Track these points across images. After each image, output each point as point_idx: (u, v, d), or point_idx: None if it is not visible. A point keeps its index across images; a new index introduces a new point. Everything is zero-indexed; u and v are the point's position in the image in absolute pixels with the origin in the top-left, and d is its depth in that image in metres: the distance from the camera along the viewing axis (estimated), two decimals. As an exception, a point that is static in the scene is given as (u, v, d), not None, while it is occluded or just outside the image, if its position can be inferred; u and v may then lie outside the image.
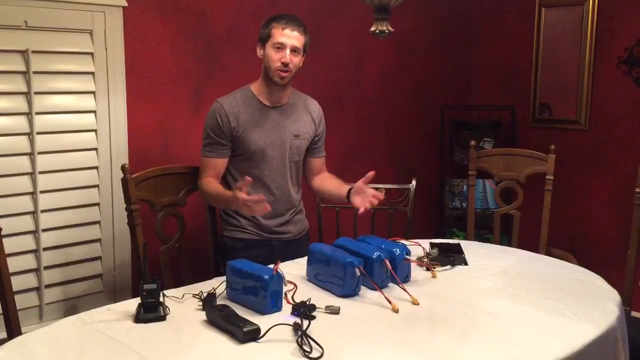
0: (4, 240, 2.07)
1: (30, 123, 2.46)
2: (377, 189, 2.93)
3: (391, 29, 2.09)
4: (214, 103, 2.47)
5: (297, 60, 2.40)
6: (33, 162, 2.48)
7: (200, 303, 1.83)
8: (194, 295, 1.90)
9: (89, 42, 2.58)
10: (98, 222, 2.69)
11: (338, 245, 2.12)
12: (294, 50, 2.37)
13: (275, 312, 1.80)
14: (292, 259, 2.29)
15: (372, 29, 2.10)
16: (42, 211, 2.52)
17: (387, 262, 1.98)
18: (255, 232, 2.49)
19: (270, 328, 1.63)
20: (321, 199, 2.97)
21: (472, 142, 3.10)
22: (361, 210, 2.26)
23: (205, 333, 1.68)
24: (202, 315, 1.76)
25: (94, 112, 2.63)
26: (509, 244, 2.91)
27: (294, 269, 2.15)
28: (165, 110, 2.87)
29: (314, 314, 1.77)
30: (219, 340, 1.63)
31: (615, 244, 3.55)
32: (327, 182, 2.61)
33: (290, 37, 2.36)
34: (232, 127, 2.42)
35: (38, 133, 2.48)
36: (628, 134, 3.54)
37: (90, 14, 2.57)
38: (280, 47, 2.36)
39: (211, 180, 2.43)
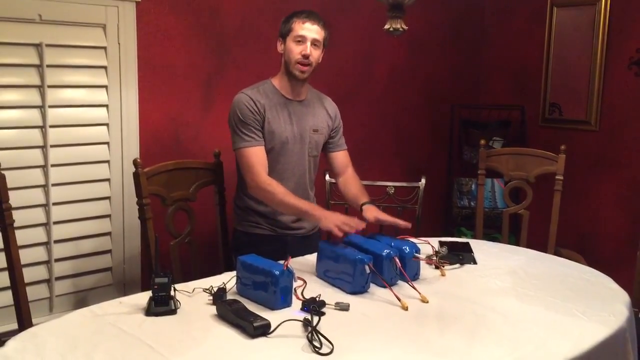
0: (16, 232, 2.09)
1: (43, 116, 2.48)
2: (386, 187, 2.95)
3: (405, 27, 2.09)
4: (237, 95, 2.43)
5: (317, 54, 2.41)
6: (45, 155, 2.50)
7: (211, 297, 1.84)
8: (205, 290, 1.91)
9: (102, 37, 2.60)
10: (109, 216, 2.71)
11: (348, 242, 2.12)
12: (314, 43, 2.38)
13: (285, 307, 1.81)
14: (305, 254, 2.30)
15: (387, 26, 2.11)
16: (54, 204, 2.54)
17: (397, 260, 1.99)
18: (270, 227, 2.49)
19: (281, 323, 1.64)
20: (331, 195, 2.98)
21: (482, 141, 3.09)
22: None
23: (216, 327, 1.69)
24: (213, 309, 1.77)
25: (106, 106, 2.64)
26: (517, 244, 2.91)
27: (303, 265, 2.16)
28: (176, 104, 2.88)
29: (323, 310, 1.78)
30: (229, 335, 1.64)
31: (625, 245, 3.54)
32: (349, 187, 2.58)
33: (310, 30, 2.37)
34: (262, 115, 2.39)
35: (51, 126, 2.49)
36: (638, 135, 3.53)
37: (104, 8, 2.58)
38: (301, 40, 2.37)
39: (273, 180, 2.36)
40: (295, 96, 2.48)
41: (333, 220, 2.17)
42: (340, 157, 2.63)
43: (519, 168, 3.01)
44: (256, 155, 2.37)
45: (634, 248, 2.72)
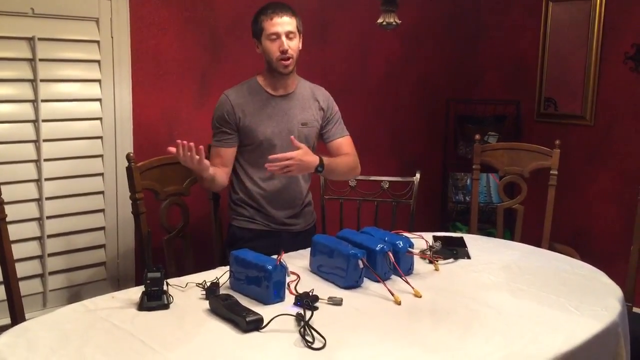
0: (9, 227, 2.08)
1: (36, 110, 2.47)
2: (380, 181, 2.95)
3: (398, 21, 2.08)
4: (221, 95, 2.48)
5: (294, 44, 2.40)
6: (38, 150, 2.48)
7: (204, 292, 1.84)
8: (198, 285, 1.91)
9: (95, 30, 2.58)
10: (102, 210, 2.70)
11: (341, 237, 2.12)
12: (289, 35, 2.37)
13: (278, 302, 1.81)
14: (299, 250, 2.29)
15: (380, 20, 2.10)
16: (47, 198, 2.52)
17: (390, 255, 1.99)
18: (264, 222, 2.49)
19: (273, 318, 1.64)
20: (325, 190, 2.98)
21: (477, 136, 3.09)
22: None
23: (208, 322, 1.69)
24: (205, 304, 1.77)
25: (100, 100, 2.63)
26: (512, 239, 2.91)
27: (297, 260, 2.16)
28: (170, 99, 2.87)
29: (316, 304, 1.78)
30: (222, 330, 1.64)
31: (619, 240, 3.55)
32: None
33: (281, 24, 2.37)
34: (238, 117, 2.42)
35: (43, 120, 2.48)
36: (633, 130, 3.53)
37: (97, 1, 2.57)
38: (275, 36, 2.37)
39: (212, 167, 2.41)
40: (282, 91, 2.47)
41: (187, 163, 2.21)
42: (335, 145, 2.60)
43: (514, 163, 3.01)
44: (218, 152, 2.45)
45: (628, 243, 2.72)
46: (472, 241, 2.46)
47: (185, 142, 2.14)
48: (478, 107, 4.00)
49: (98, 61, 2.60)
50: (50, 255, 2.57)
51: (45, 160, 2.50)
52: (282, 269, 1.83)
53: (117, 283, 2.77)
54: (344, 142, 2.62)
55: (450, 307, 1.83)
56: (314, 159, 2.37)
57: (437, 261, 2.20)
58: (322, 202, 2.99)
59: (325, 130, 2.59)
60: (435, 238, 2.38)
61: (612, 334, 1.78)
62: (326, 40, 3.39)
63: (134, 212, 2.34)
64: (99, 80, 2.62)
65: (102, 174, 2.68)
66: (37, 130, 2.48)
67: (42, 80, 2.46)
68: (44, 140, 2.49)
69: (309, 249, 2.14)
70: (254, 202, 2.48)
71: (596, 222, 3.70)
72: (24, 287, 2.24)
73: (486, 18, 4.14)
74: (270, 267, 1.79)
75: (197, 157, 2.17)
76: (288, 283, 1.89)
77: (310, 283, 1.95)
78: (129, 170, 2.32)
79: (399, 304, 1.83)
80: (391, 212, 2.96)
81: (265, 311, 1.68)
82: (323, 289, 1.91)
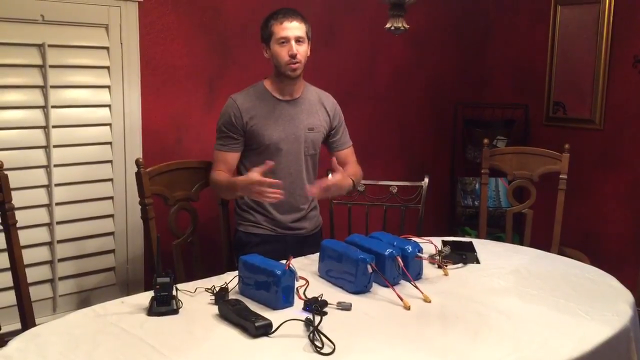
0: (19, 232, 2.09)
1: (46, 116, 2.48)
2: (389, 186, 2.95)
3: (407, 26, 2.08)
4: (228, 99, 2.49)
5: (303, 49, 2.42)
6: (48, 155, 2.50)
7: (213, 297, 1.84)
8: (207, 290, 1.91)
9: (104, 37, 2.60)
10: (112, 216, 2.71)
11: (350, 241, 2.12)
12: (298, 40, 2.39)
13: (287, 307, 1.81)
14: (306, 254, 2.29)
15: (388, 25, 2.10)
16: (57, 204, 2.54)
17: (399, 259, 1.98)
18: (270, 227, 2.50)
19: (282, 323, 1.64)
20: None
21: (486, 141, 3.09)
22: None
23: (218, 327, 1.69)
24: (215, 309, 1.77)
25: (109, 106, 2.65)
26: (521, 243, 2.90)
27: (306, 265, 2.16)
28: (179, 105, 2.89)
29: (325, 310, 1.78)
30: (231, 335, 1.64)
31: (629, 244, 3.52)
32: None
33: (291, 28, 2.38)
34: (245, 122, 2.43)
35: (54, 126, 2.50)
36: (643, 134, 3.51)
37: (106, 8, 2.58)
38: (285, 41, 2.38)
39: (221, 172, 2.44)
40: (289, 95, 2.48)
41: (250, 191, 2.25)
42: (342, 155, 2.62)
43: (523, 167, 3.01)
44: (223, 157, 2.46)
45: (638, 247, 2.71)
46: (481, 246, 2.46)
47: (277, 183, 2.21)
48: (486, 111, 3.99)
49: (107, 67, 2.62)
50: (60, 260, 2.58)
51: (56, 165, 2.52)
52: (291, 274, 1.83)
53: (127, 288, 2.78)
54: (350, 152, 2.66)
55: (460, 312, 1.82)
56: (349, 182, 2.46)
57: (446, 266, 2.19)
58: (331, 207, 2.99)
59: (334, 139, 2.60)
60: (444, 243, 2.37)
61: (623, 340, 1.76)
62: (334, 44, 3.40)
63: (143, 217, 2.35)
64: (108, 87, 2.63)
65: (111, 180, 2.69)
66: (47, 136, 2.49)
67: (52, 87, 2.48)
68: (54, 146, 2.51)
69: (318, 253, 2.14)
70: (260, 206, 2.49)
71: (606, 226, 3.68)
72: (34, 292, 2.25)
73: (494, 22, 4.14)
74: (279, 272, 1.79)
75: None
76: (297, 288, 1.89)
77: (319, 288, 1.94)
78: (138, 175, 2.33)
79: (408, 309, 1.83)
80: (400, 217, 2.96)
81: (274, 316, 1.68)
82: (332, 294, 1.91)
